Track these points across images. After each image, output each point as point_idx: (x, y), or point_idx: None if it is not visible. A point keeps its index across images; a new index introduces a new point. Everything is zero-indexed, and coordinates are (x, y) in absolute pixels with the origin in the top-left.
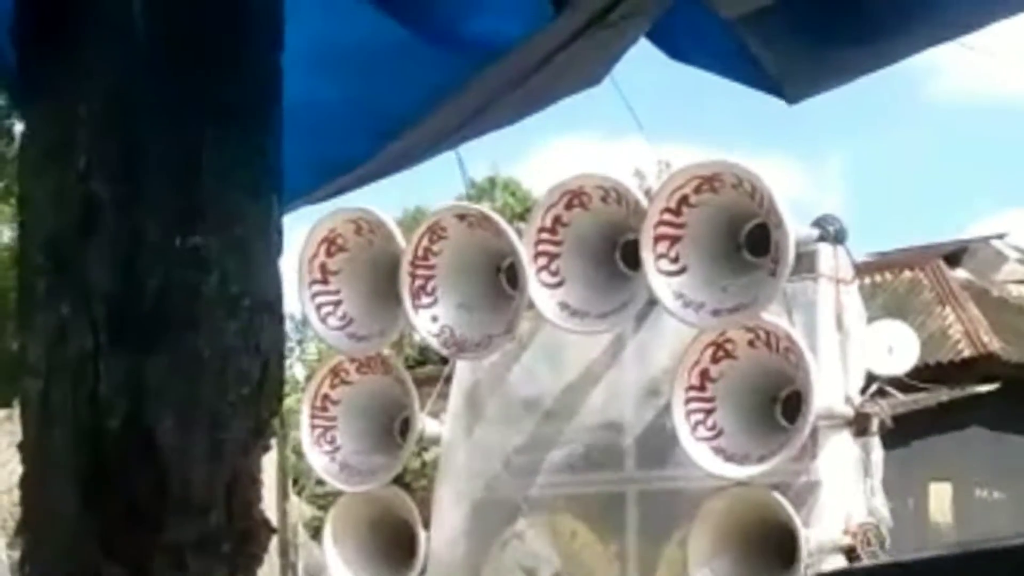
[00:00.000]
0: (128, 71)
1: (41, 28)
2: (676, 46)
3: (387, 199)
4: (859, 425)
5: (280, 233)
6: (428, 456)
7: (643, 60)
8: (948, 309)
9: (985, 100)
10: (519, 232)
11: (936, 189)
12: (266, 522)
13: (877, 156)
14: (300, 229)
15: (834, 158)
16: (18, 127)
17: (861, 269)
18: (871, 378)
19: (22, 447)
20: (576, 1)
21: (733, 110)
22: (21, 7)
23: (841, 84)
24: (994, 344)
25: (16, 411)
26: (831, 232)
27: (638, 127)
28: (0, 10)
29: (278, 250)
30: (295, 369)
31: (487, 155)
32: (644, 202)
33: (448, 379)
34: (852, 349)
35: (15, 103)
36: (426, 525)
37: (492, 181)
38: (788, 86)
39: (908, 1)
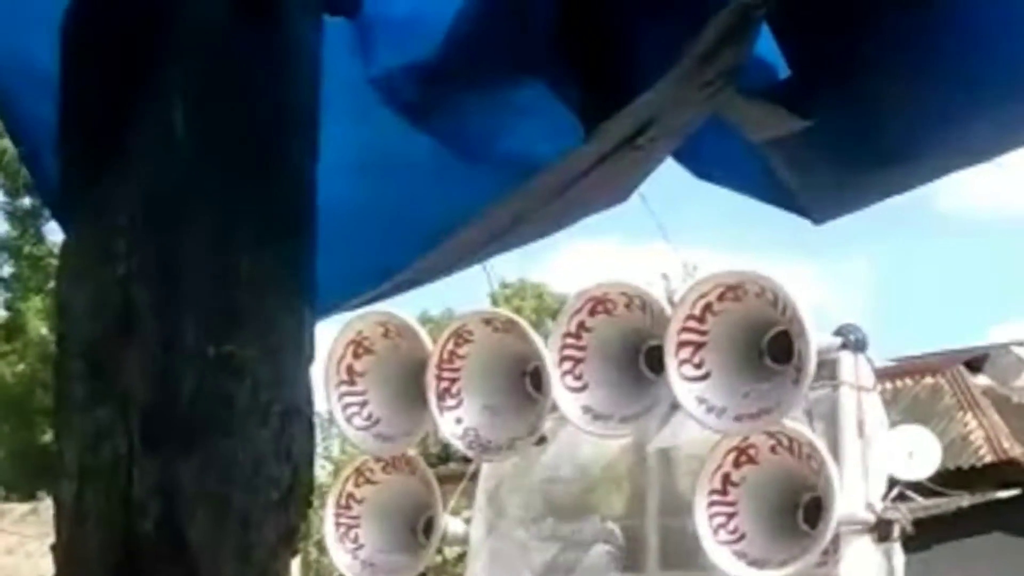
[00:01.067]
0: (168, 181)
1: (83, 138)
2: (702, 166)
3: (414, 301)
4: (881, 530)
5: (312, 342)
6: (449, 553)
7: (667, 167)
8: (969, 415)
9: (1001, 211)
10: (544, 335)
11: (955, 297)
12: None
13: (896, 264)
14: (328, 330)
15: (853, 265)
16: (47, 227)
17: (883, 374)
18: (892, 483)
19: (54, 548)
20: (605, 126)
21: (753, 218)
22: (64, 117)
23: (867, 206)
24: (1015, 450)
25: (40, 504)
26: (853, 341)
27: (662, 232)
28: (41, 120)
29: (310, 358)
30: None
31: (513, 257)
32: (668, 309)
33: (472, 477)
34: (873, 455)
35: (55, 212)
36: None
37: (523, 282)
38: (814, 207)
39: (931, 129)
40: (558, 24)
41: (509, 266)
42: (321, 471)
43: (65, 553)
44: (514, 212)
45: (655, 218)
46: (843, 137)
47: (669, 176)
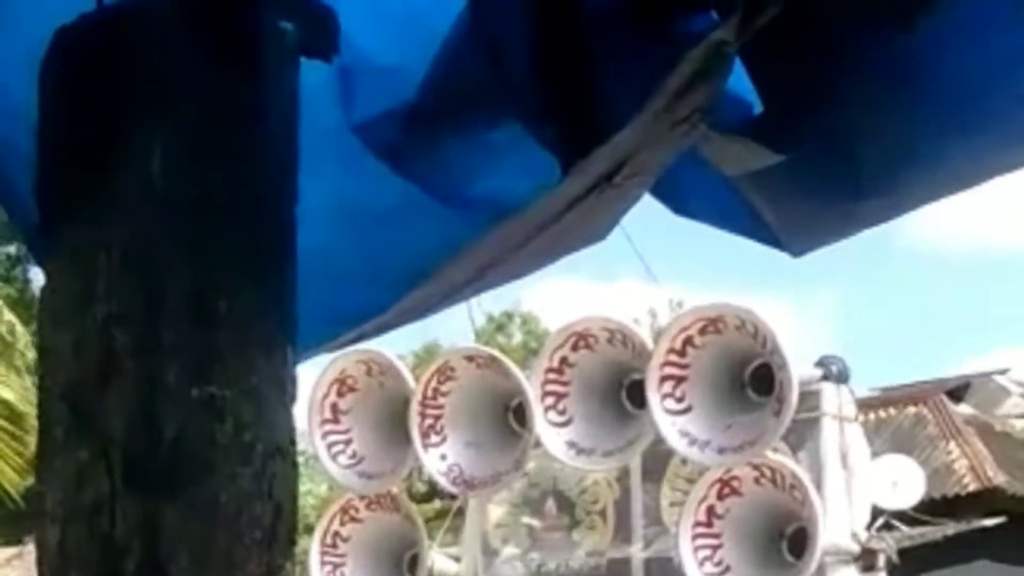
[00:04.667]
0: (147, 224)
1: (62, 182)
2: (679, 202)
3: (398, 336)
4: (866, 560)
5: (294, 382)
6: None
7: (643, 204)
8: (953, 444)
9: (966, 243)
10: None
11: (925, 329)
12: None
13: (864, 298)
14: (312, 370)
15: (824, 298)
16: (29, 271)
17: (865, 405)
18: (877, 512)
19: None
20: (582, 164)
21: (720, 252)
22: (43, 161)
23: (845, 237)
24: (999, 478)
25: (25, 548)
26: (834, 372)
27: (645, 269)
28: (21, 164)
29: (292, 398)
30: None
31: (494, 293)
32: (649, 343)
33: (457, 514)
34: (857, 485)
35: (36, 256)
36: None
37: (509, 315)
38: (791, 240)
39: (907, 161)
40: (533, 64)
41: (490, 303)
42: (311, 510)
43: None
44: (493, 252)
45: (642, 258)
46: (819, 170)
47: (637, 214)
